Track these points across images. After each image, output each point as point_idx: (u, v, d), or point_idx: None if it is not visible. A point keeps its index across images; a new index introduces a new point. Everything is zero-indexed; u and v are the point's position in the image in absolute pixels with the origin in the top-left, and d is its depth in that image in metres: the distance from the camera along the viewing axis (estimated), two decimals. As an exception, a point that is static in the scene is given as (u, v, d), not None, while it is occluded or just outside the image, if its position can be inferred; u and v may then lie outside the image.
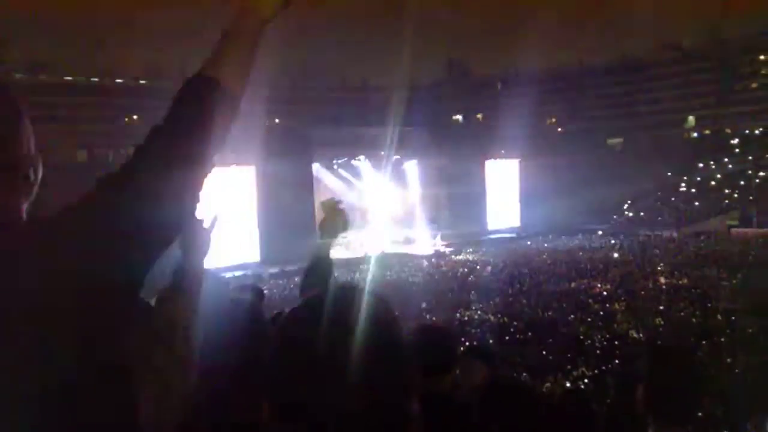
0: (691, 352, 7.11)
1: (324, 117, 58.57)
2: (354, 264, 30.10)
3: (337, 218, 2.35)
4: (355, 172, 39.56)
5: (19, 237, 1.00)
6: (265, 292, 19.20)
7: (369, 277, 23.86)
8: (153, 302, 1.59)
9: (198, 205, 1.14)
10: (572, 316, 13.24)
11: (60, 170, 25.22)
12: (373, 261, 29.45)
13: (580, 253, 28.49)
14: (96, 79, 63.88)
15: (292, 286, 21.99)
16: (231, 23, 1.18)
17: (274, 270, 27.70)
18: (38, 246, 0.98)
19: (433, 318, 13.65)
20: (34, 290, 0.93)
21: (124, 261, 1.01)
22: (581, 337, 11.04)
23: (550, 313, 13.84)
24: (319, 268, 2.29)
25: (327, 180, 38.51)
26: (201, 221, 2.05)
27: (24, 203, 1.08)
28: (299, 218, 31.91)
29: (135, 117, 62.13)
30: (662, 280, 18.57)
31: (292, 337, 1.02)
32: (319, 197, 36.68)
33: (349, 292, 1.05)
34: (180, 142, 1.08)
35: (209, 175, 1.13)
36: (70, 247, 0.97)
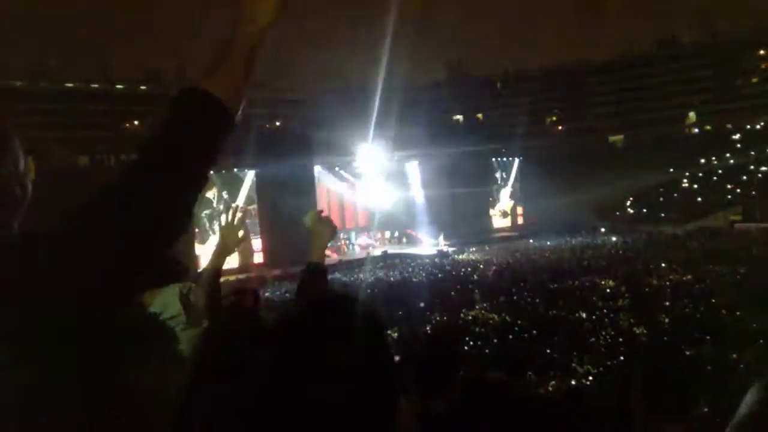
0: (681, 351, 7.10)
1: (325, 118, 58.56)
2: (356, 265, 30.16)
3: (323, 229, 2.41)
4: (357, 174, 39.58)
5: (5, 250, 0.98)
6: (266, 294, 19.18)
7: (370, 279, 23.94)
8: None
9: (189, 221, 1.11)
10: (576, 313, 13.21)
11: (61, 175, 25.28)
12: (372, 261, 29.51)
13: (583, 251, 28.45)
14: (96, 85, 64.02)
15: (295, 288, 21.95)
16: (228, 33, 1.15)
17: (277, 272, 27.71)
18: (24, 259, 0.96)
19: (436, 317, 13.64)
20: (18, 301, 0.91)
21: (111, 274, 0.98)
22: (586, 335, 11.01)
23: (554, 311, 13.80)
24: (312, 284, 2.31)
25: (328, 182, 38.52)
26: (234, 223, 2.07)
27: (12, 219, 1.06)
28: (301, 222, 31.91)
29: (135, 122, 62.27)
30: (666, 276, 18.53)
31: (270, 348, 1.01)
32: (321, 199, 36.78)
33: (332, 305, 1.04)
34: (172, 157, 1.04)
35: (202, 189, 1.11)
36: (57, 260, 0.95)
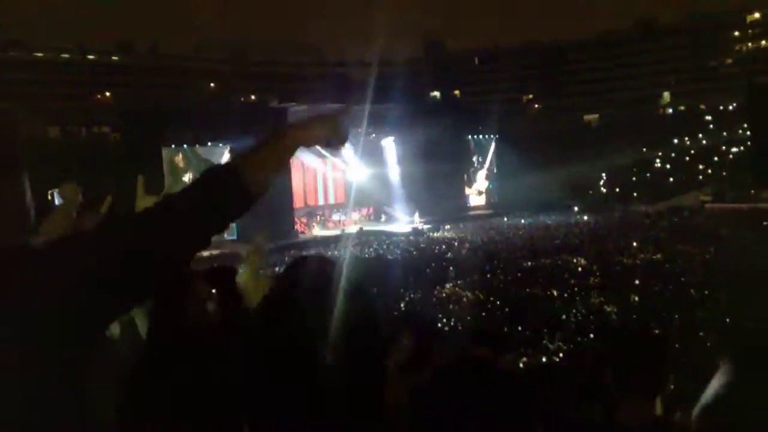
0: (651, 329, 7.22)
1: (300, 93, 58.12)
2: (331, 242, 30.16)
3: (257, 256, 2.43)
4: (333, 150, 39.35)
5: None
6: (240, 270, 19.27)
7: (346, 255, 23.96)
8: None
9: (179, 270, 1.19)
10: (548, 291, 13.36)
11: (32, 146, 24.87)
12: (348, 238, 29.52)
13: (557, 229, 28.73)
14: (67, 56, 62.72)
15: (268, 263, 21.91)
16: (278, 134, 1.23)
17: (249, 247, 27.61)
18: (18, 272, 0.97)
19: (411, 294, 13.71)
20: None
21: (92, 309, 1.01)
22: (557, 313, 11.15)
23: (527, 289, 13.95)
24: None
25: (303, 158, 38.29)
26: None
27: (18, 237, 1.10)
28: (276, 197, 31.77)
29: (107, 94, 61.25)
30: (637, 255, 18.79)
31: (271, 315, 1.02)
32: (296, 175, 36.58)
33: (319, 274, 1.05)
34: (184, 221, 1.10)
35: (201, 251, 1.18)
36: (48, 280, 0.97)
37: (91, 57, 64.41)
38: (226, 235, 31.11)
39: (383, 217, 40.13)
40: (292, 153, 1.24)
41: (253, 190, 1.16)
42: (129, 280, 1.03)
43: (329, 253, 25.35)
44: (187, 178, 30.29)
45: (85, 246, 1.04)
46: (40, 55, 60.72)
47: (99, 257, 1.01)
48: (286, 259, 23.65)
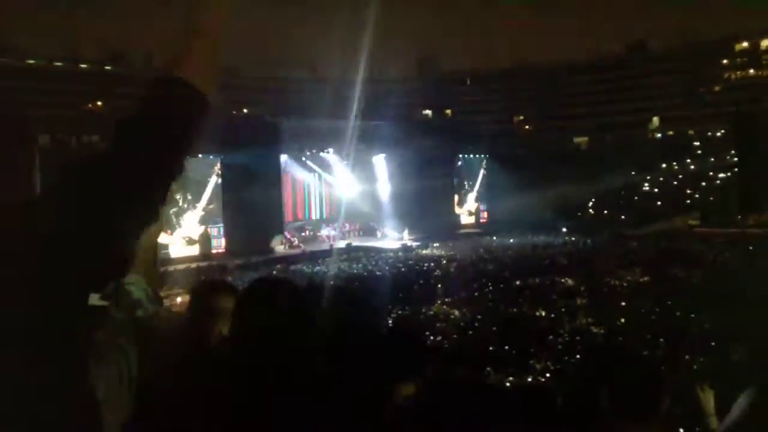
0: (640, 350, 7.23)
1: (293, 108, 58.13)
2: (320, 257, 30.07)
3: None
4: (324, 165, 39.41)
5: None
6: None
7: (334, 270, 23.89)
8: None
9: (163, 205, 1.12)
10: (536, 311, 13.36)
11: (22, 154, 24.70)
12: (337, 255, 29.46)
13: (545, 249, 28.79)
14: (59, 64, 62.58)
15: (256, 277, 21.78)
16: (192, 20, 1.15)
17: (239, 261, 27.49)
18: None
19: (399, 312, 13.67)
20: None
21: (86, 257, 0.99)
22: (544, 332, 11.14)
23: (514, 309, 13.94)
24: None
25: (295, 172, 38.28)
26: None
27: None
28: (266, 210, 31.68)
29: (99, 103, 61.10)
30: (624, 277, 18.83)
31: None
32: (286, 189, 36.56)
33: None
34: (150, 144, 1.04)
35: (178, 176, 1.11)
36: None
37: (83, 66, 64.25)
38: (214, 248, 31.01)
39: (378, 234, 40.01)
40: (220, 31, 1.15)
41: (201, 89, 1.09)
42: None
43: (317, 267, 25.28)
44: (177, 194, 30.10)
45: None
46: (32, 62, 60.53)
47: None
48: (273, 273, 23.53)
